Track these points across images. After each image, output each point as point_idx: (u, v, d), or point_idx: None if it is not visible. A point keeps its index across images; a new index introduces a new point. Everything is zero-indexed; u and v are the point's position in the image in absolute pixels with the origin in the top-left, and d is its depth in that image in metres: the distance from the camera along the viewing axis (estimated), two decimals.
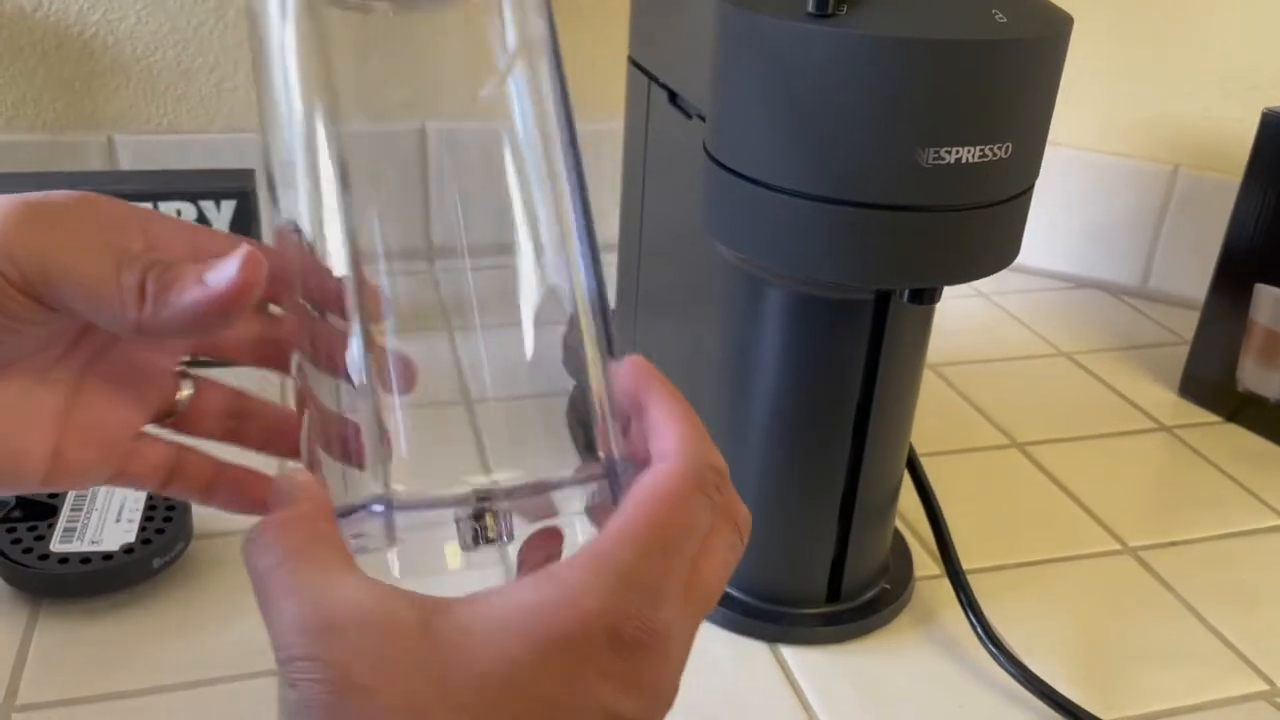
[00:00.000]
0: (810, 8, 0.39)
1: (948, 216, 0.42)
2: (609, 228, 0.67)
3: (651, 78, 0.58)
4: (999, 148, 0.41)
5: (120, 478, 0.31)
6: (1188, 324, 0.91)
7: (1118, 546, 0.63)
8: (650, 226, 0.61)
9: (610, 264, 0.67)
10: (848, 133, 0.40)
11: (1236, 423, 0.76)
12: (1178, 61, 0.89)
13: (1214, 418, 0.77)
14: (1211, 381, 0.77)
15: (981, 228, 0.43)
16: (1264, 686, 0.53)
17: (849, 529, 0.53)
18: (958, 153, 0.40)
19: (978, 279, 0.44)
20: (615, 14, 0.77)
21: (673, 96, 0.56)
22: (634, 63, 0.61)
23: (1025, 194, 0.44)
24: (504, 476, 0.29)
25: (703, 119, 0.51)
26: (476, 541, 0.29)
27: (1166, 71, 0.89)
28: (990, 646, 0.52)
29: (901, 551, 0.59)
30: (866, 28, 0.39)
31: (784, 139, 0.42)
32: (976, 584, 0.55)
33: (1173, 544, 0.63)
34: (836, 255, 0.43)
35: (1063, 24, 0.41)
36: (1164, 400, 0.79)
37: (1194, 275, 0.93)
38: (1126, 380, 0.82)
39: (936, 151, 0.40)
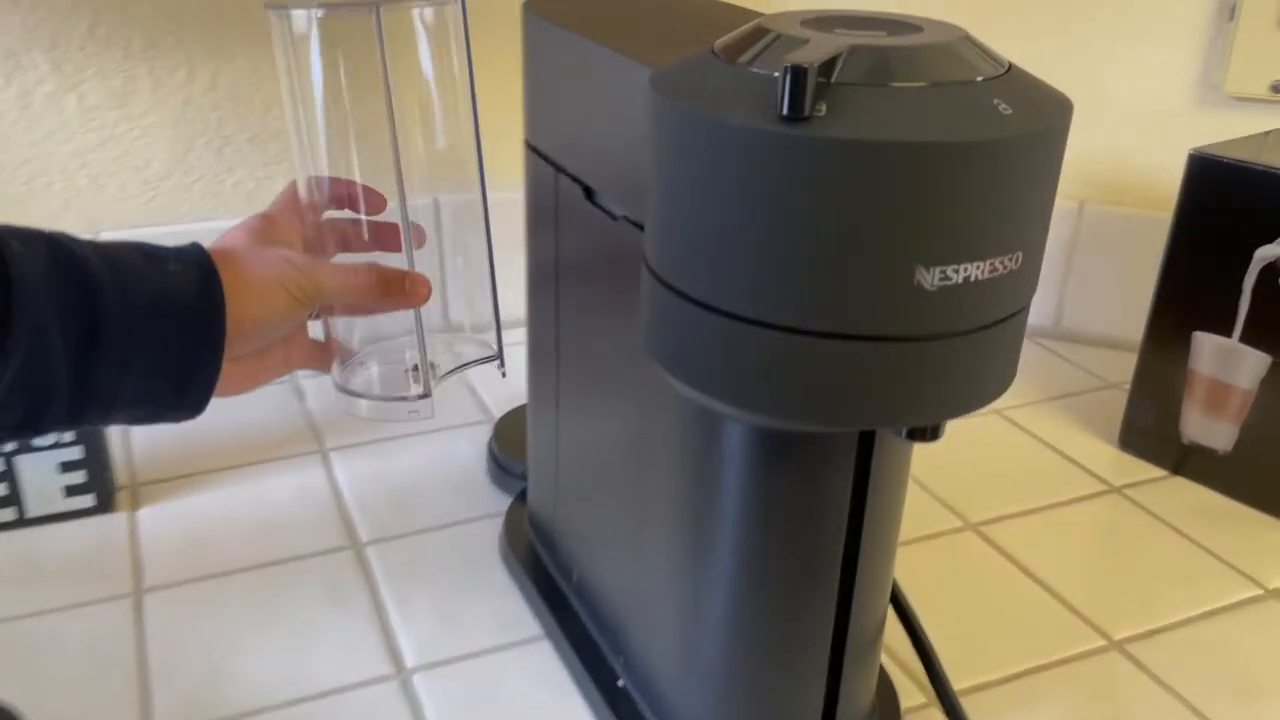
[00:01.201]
0: (783, 110, 0.32)
1: (953, 343, 0.35)
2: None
3: (558, 169, 0.50)
4: (1009, 259, 0.35)
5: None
6: (1108, 366, 0.88)
7: (1103, 642, 0.58)
8: (570, 329, 0.53)
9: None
10: (836, 255, 0.33)
11: (1183, 475, 0.73)
12: (1077, 95, 0.86)
13: (1159, 472, 0.73)
14: (1152, 433, 0.74)
15: (990, 349, 0.36)
16: None
17: (839, 676, 0.46)
18: (966, 270, 0.34)
19: (983, 406, 0.38)
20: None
21: (589, 192, 0.48)
22: (534, 149, 0.53)
23: (1028, 305, 0.38)
24: None
25: (635, 225, 0.43)
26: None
27: None
28: None
29: (884, 685, 0.52)
30: (854, 131, 0.32)
31: (755, 262, 0.34)
32: (968, 709, 0.48)
33: (1156, 632, 0.59)
34: (823, 396, 0.35)
35: (1065, 109, 0.35)
36: (1105, 455, 0.75)
37: (1107, 313, 0.90)
38: (1063, 435, 0.78)
39: (943, 271, 0.33)
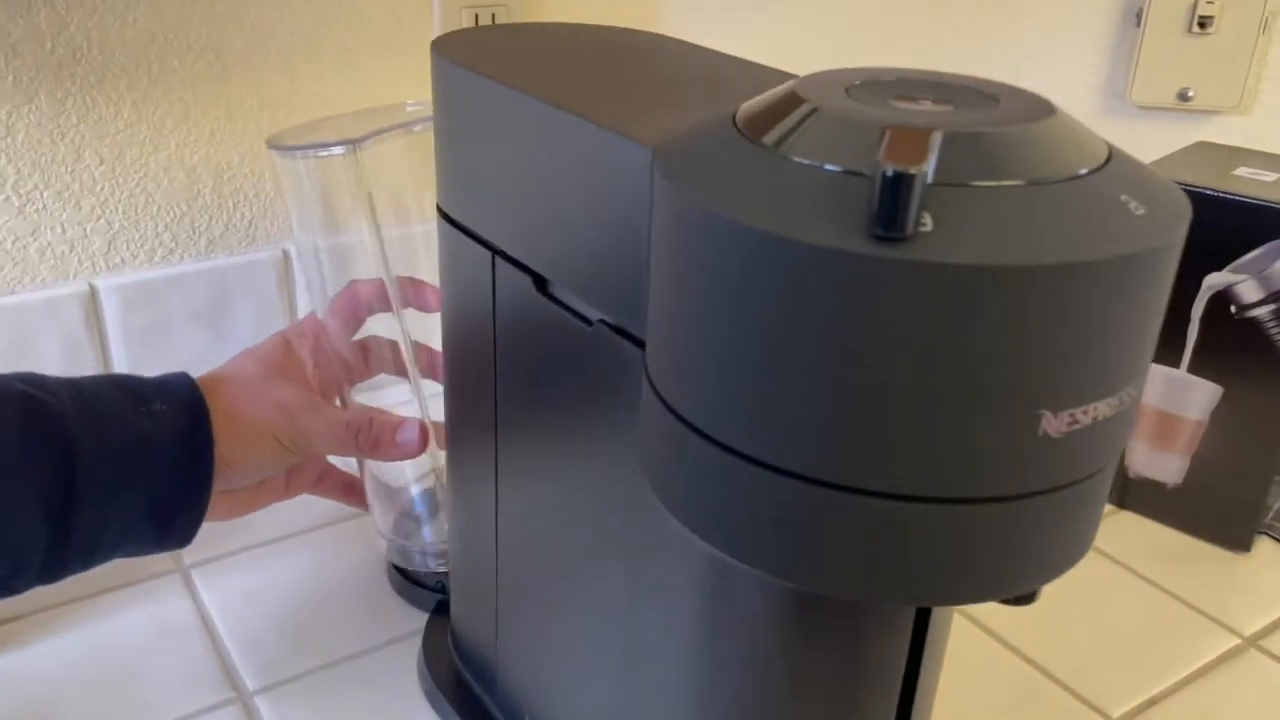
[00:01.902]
0: (879, 227, 0.24)
1: (1075, 491, 0.28)
2: None
3: (493, 250, 0.41)
4: (1132, 389, 0.28)
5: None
6: None
7: None
8: (518, 441, 0.43)
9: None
10: (948, 404, 0.25)
11: (1129, 510, 0.70)
12: None
13: (1107, 507, 0.70)
14: None
15: (1101, 493, 0.30)
16: None
17: None
18: (1094, 410, 0.27)
19: (1083, 556, 0.31)
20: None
21: (541, 283, 0.39)
22: (454, 222, 0.43)
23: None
24: None
25: (618, 331, 0.34)
26: None
27: None
28: None
29: None
30: (972, 253, 0.24)
31: (832, 413, 0.26)
32: None
33: (1153, 702, 0.55)
34: (911, 568, 0.28)
35: (1183, 202, 0.29)
36: None
37: None
38: None
39: (1072, 415, 0.26)
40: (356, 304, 0.55)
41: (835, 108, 0.28)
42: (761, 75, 0.40)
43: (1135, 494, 0.69)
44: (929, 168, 0.24)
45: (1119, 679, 0.56)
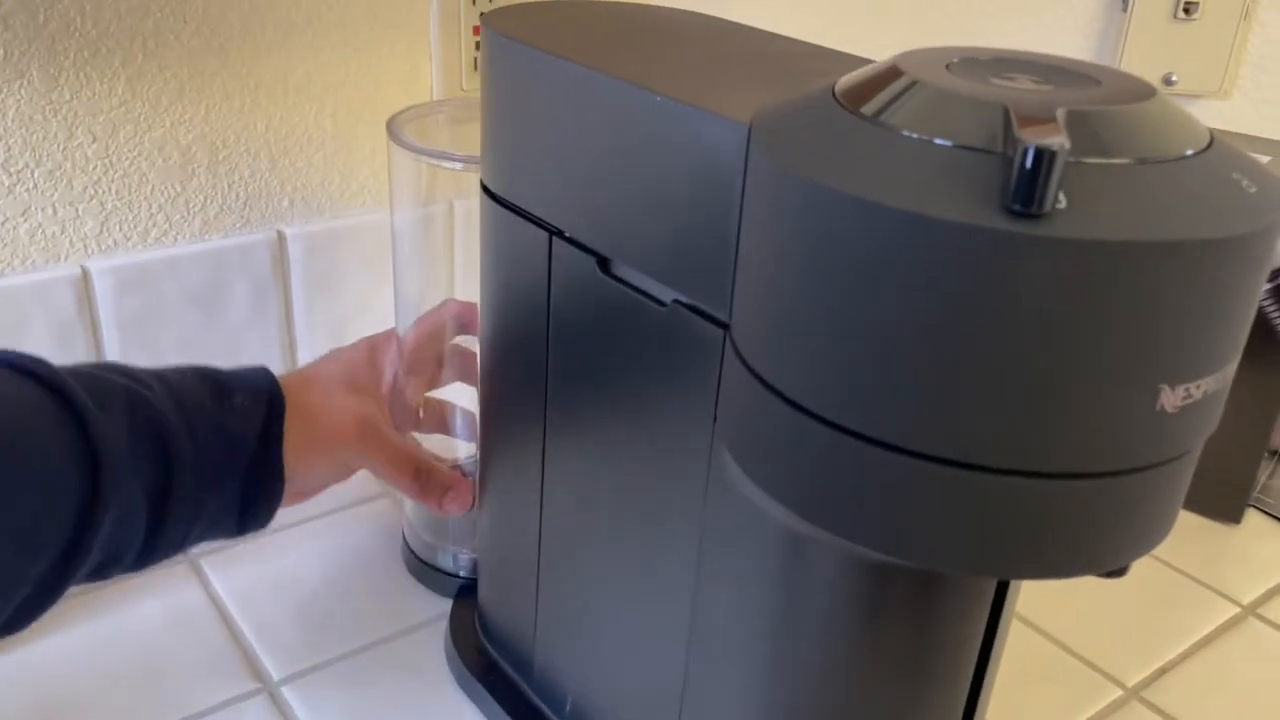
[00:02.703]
0: (1015, 201, 0.24)
1: (1178, 465, 0.29)
2: None
3: (551, 230, 0.40)
4: (1232, 365, 0.29)
5: None
6: None
7: (1119, 692, 0.55)
8: (566, 415, 0.43)
9: None
10: (1074, 379, 0.26)
11: None
12: None
13: None
14: None
15: (1191, 468, 0.31)
16: None
17: None
18: (1205, 385, 0.27)
19: (1171, 529, 0.32)
20: None
21: (604, 263, 0.38)
22: (501, 200, 0.42)
23: None
24: None
25: (694, 311, 0.34)
26: None
27: None
28: None
29: None
30: (1111, 229, 0.24)
31: (956, 389, 0.26)
32: None
33: (1163, 671, 0.56)
34: (1020, 542, 0.28)
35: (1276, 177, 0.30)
36: None
37: None
38: None
39: (1187, 389, 0.27)
40: (443, 321, 0.56)
41: (941, 84, 0.28)
42: (815, 53, 0.40)
43: None
44: (1067, 143, 0.25)
45: (1130, 649, 0.57)
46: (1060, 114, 0.26)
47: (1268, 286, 0.63)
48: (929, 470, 0.28)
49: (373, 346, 0.56)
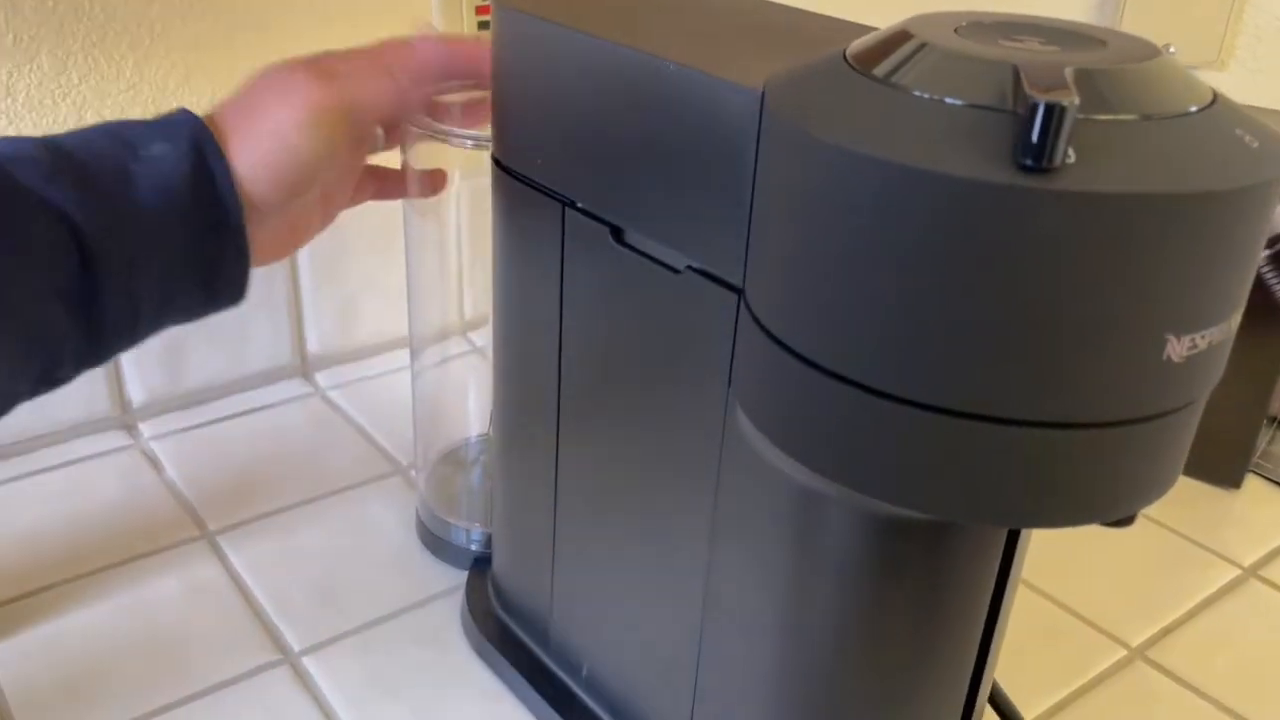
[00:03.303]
0: (1026, 156, 0.25)
1: (1184, 415, 0.30)
2: None
3: (564, 201, 0.41)
4: (1236, 316, 0.29)
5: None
6: None
7: (1124, 652, 0.56)
8: (580, 383, 0.44)
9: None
10: (1083, 331, 0.27)
11: None
12: None
13: None
14: None
15: (1196, 419, 0.31)
16: None
17: None
18: (1210, 335, 0.28)
19: (1177, 479, 0.33)
20: None
21: (617, 233, 0.39)
22: (512, 172, 0.43)
23: None
24: None
25: (707, 277, 0.35)
26: None
27: None
28: None
29: None
30: (1118, 182, 0.25)
31: (966, 342, 0.27)
32: None
33: (1167, 631, 0.57)
34: (1029, 491, 0.29)
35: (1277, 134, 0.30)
36: None
37: None
38: None
39: (1193, 339, 0.28)
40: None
41: (951, 46, 0.29)
42: (819, 21, 0.40)
43: None
44: (1077, 100, 0.25)
45: (1133, 611, 0.58)
46: (1068, 72, 0.27)
47: (1266, 253, 0.63)
48: (941, 422, 0.28)
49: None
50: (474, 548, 0.58)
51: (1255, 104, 0.74)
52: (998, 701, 0.44)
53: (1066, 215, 0.25)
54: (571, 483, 0.46)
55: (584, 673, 0.48)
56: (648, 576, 0.43)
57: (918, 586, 0.36)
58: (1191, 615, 0.59)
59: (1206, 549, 0.64)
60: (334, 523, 0.61)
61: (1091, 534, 0.64)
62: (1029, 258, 0.26)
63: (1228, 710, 0.52)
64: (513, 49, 0.41)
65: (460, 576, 0.57)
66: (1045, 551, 0.62)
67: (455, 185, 0.54)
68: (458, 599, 0.56)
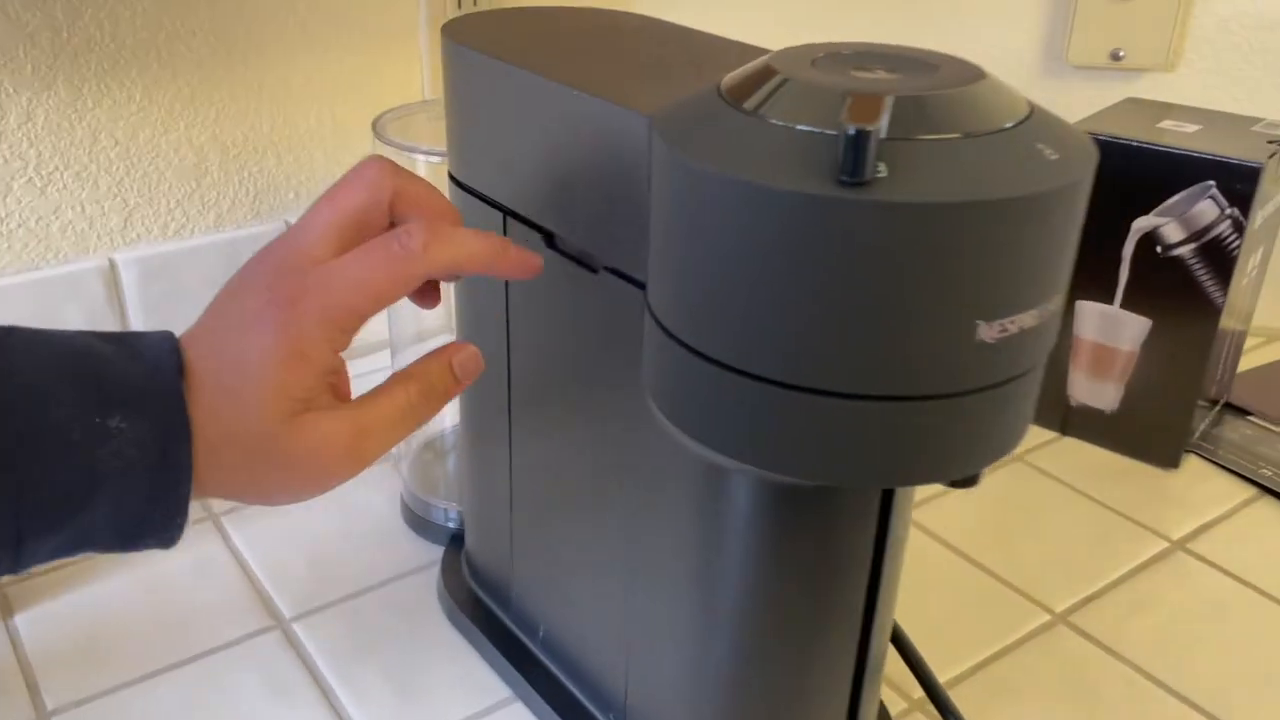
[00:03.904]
0: (844, 174, 0.30)
1: (1008, 389, 0.35)
2: None
3: (505, 210, 0.46)
4: (1052, 303, 0.34)
5: None
6: None
7: (1048, 617, 0.60)
8: (528, 379, 0.49)
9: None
10: (901, 318, 0.32)
11: (1071, 435, 0.77)
12: None
13: (1049, 434, 0.77)
14: (1040, 397, 0.77)
15: (1031, 391, 0.36)
16: None
17: (858, 705, 0.45)
18: (1020, 321, 0.33)
19: (1018, 446, 0.38)
20: None
21: (549, 238, 0.44)
22: (464, 186, 0.49)
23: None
24: None
25: (621, 276, 0.40)
26: None
27: None
28: None
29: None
30: (926, 193, 0.30)
31: (807, 328, 0.32)
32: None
33: (1091, 599, 0.62)
34: (883, 457, 0.34)
35: (1090, 148, 0.35)
36: None
37: None
38: None
39: (1002, 324, 0.33)
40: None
41: (804, 77, 0.34)
42: (735, 51, 0.45)
43: (1076, 420, 0.76)
44: (883, 125, 0.30)
45: (1061, 580, 0.63)
46: (889, 100, 0.32)
47: (1192, 245, 0.67)
48: (797, 398, 0.33)
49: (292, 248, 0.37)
50: (451, 525, 0.63)
51: (1204, 105, 0.78)
52: (899, 640, 0.49)
53: (875, 221, 0.30)
54: (523, 468, 0.51)
55: (540, 634, 0.54)
56: (585, 548, 0.48)
57: (809, 541, 0.41)
58: (1116, 584, 0.63)
59: (1139, 524, 0.68)
60: (327, 505, 0.67)
61: (1026, 512, 0.68)
62: (851, 258, 0.31)
63: (1141, 671, 0.57)
64: (460, 80, 0.47)
65: (439, 553, 0.63)
66: (982, 528, 0.67)
67: None
68: (435, 572, 0.61)
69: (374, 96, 0.77)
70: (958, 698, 0.54)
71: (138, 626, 0.57)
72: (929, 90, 0.33)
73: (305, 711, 0.52)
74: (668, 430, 0.39)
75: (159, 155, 0.71)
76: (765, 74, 0.35)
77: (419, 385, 0.39)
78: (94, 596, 0.59)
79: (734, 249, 0.33)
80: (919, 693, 0.53)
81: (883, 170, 0.31)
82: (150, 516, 0.35)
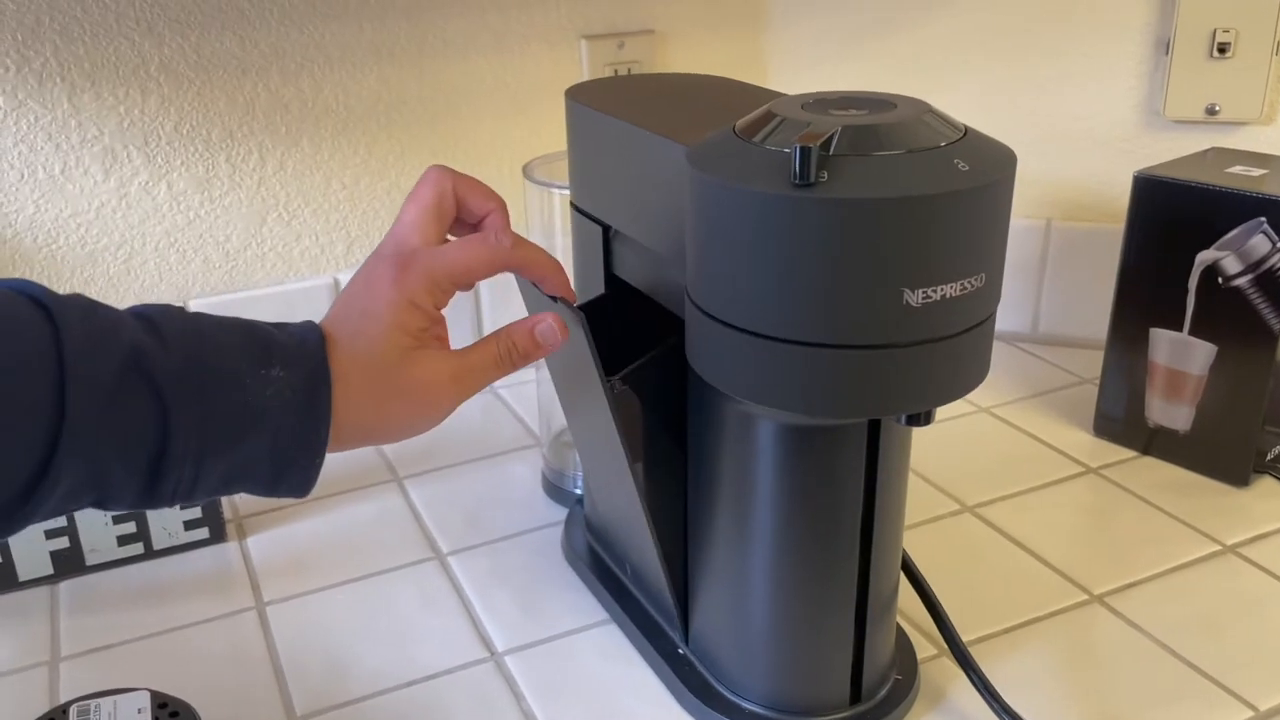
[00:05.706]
0: (794, 179, 0.43)
1: (938, 346, 0.45)
2: None
3: (605, 226, 0.60)
4: (975, 279, 0.45)
5: None
6: (1081, 363, 0.98)
7: (1085, 596, 0.68)
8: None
9: None
10: (842, 286, 0.43)
11: (1151, 455, 0.83)
12: (1039, 126, 0.97)
13: (1130, 453, 0.84)
14: (1122, 419, 0.84)
15: (967, 349, 0.47)
16: (1249, 713, 0.58)
17: (864, 633, 0.55)
18: (942, 290, 0.44)
19: (965, 395, 0.48)
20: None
21: (607, 230, 0.58)
22: (579, 209, 0.63)
23: (994, 312, 0.48)
24: None
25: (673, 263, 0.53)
26: None
27: (1031, 136, 0.97)
28: (1006, 716, 0.55)
29: (902, 641, 0.62)
30: (850, 192, 0.42)
31: (779, 295, 0.45)
32: (974, 656, 0.58)
33: (1131, 585, 0.69)
34: (838, 394, 0.46)
35: (1010, 161, 0.46)
36: (1082, 441, 0.86)
37: (1077, 316, 1.01)
38: (1044, 426, 0.88)
39: (925, 292, 0.44)
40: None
41: (792, 116, 0.47)
42: (779, 99, 0.58)
43: (1155, 441, 0.82)
44: (833, 144, 0.43)
45: (1107, 568, 0.70)
46: (839, 129, 0.44)
47: (1249, 276, 0.74)
48: (775, 347, 0.46)
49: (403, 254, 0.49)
50: (578, 491, 0.77)
51: None
52: (908, 567, 0.59)
53: (816, 212, 0.42)
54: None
55: (628, 570, 0.66)
56: (639, 503, 0.61)
57: (814, 468, 0.52)
58: (1158, 576, 0.69)
59: (1196, 529, 0.74)
60: (485, 474, 0.82)
61: (1085, 509, 0.76)
62: (804, 240, 0.43)
63: (1179, 657, 0.63)
64: (577, 130, 0.62)
65: (565, 513, 0.77)
66: (1039, 519, 0.75)
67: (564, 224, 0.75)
68: (561, 527, 0.75)
69: (538, 149, 0.95)
70: (981, 652, 0.62)
71: (332, 552, 0.74)
72: (875, 120, 0.45)
73: (449, 619, 0.67)
74: (709, 381, 0.52)
75: (375, 197, 0.90)
76: (766, 117, 0.48)
77: (506, 343, 0.50)
78: (304, 529, 0.76)
79: (735, 237, 0.46)
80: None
81: (825, 177, 0.43)
82: (297, 456, 0.44)
